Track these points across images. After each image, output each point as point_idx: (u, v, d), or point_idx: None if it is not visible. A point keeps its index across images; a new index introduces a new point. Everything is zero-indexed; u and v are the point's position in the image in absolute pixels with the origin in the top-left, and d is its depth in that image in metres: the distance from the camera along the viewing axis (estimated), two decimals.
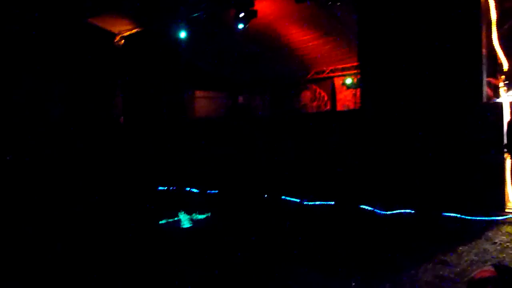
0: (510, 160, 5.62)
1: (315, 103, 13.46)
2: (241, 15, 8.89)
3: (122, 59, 11.05)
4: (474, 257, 4.18)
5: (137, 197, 8.03)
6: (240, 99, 14.66)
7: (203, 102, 13.25)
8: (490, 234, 4.87)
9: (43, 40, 9.40)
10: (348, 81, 12.35)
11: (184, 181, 8.89)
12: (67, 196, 7.70)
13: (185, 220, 6.46)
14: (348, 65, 12.05)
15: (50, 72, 9.76)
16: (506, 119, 5.57)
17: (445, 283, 3.68)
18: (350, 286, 3.75)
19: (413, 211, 5.93)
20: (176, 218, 6.52)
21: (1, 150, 8.68)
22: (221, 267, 4.36)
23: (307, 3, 8.67)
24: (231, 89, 14.31)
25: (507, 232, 4.89)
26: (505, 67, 5.90)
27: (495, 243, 4.57)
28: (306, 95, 13.69)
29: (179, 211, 6.78)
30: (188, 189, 8.79)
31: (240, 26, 9.07)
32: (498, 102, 5.80)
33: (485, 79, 5.82)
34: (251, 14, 8.92)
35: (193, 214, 6.66)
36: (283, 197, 7.38)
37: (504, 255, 4.23)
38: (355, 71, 11.46)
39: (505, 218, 5.29)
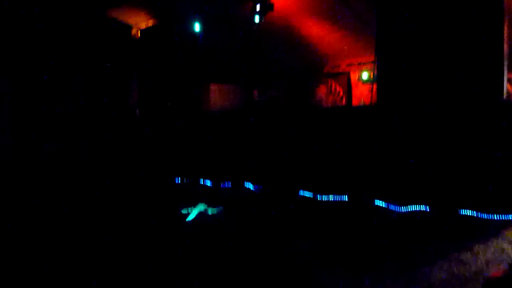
0: None
1: (330, 98, 13.34)
2: (258, 8, 8.87)
3: (138, 52, 11.14)
4: (490, 256, 4.11)
5: (156, 188, 8.15)
6: (255, 93, 14.66)
7: (218, 95, 13.29)
8: (507, 233, 4.79)
9: (62, 33, 9.53)
10: (365, 76, 12.19)
11: (199, 174, 8.95)
12: (84, 188, 7.85)
13: (199, 213, 6.52)
14: (365, 60, 11.91)
15: (69, 65, 9.89)
16: None
17: (460, 282, 3.63)
18: (364, 283, 3.74)
19: (428, 208, 5.87)
20: (190, 210, 6.59)
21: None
22: (236, 260, 4.39)
23: None
24: (246, 83, 14.31)
25: None
26: None
27: None
28: (322, 89, 13.59)
29: (195, 204, 6.84)
30: (202, 181, 8.86)
31: (257, 19, 9.05)
32: None
33: (506, 76, 5.70)
34: (268, 8, 8.90)
35: (207, 207, 6.72)
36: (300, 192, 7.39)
37: None
38: (372, 66, 11.32)
39: None
